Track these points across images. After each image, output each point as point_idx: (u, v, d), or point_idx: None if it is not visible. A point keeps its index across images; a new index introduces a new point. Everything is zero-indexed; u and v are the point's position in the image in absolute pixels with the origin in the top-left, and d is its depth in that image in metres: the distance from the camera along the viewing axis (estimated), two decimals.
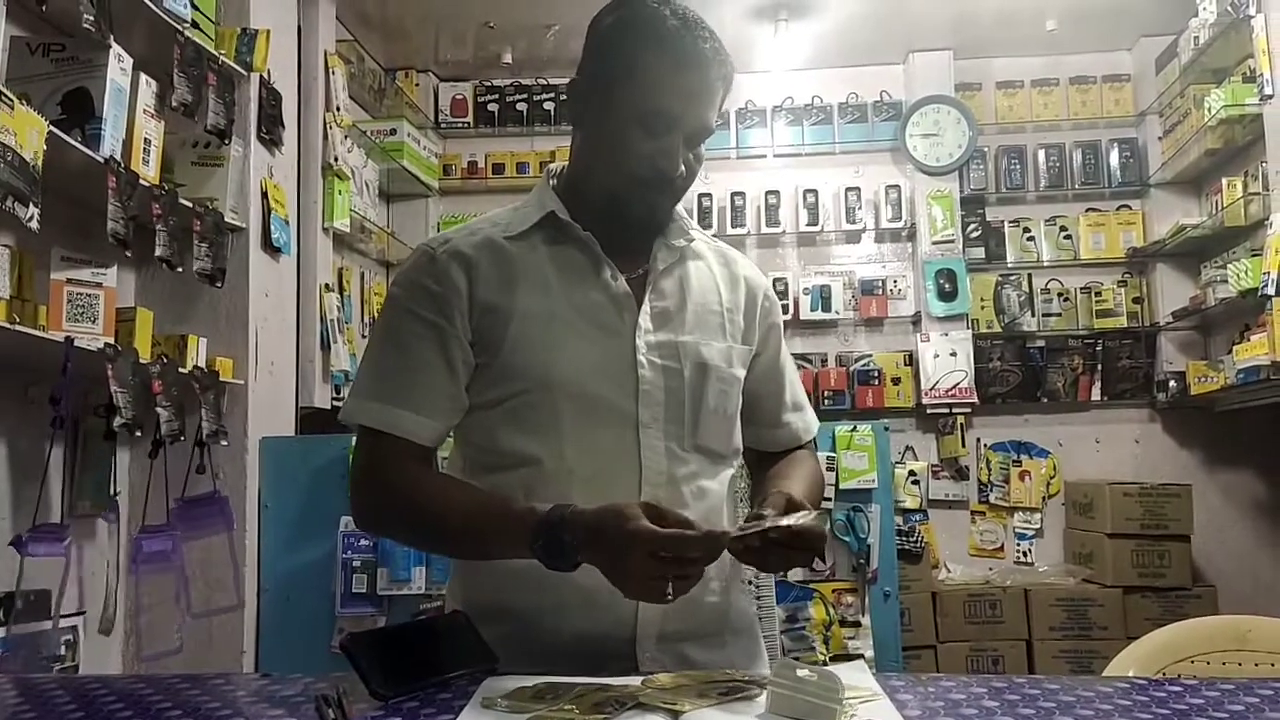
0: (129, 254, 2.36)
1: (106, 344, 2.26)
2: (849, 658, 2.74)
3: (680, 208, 1.48)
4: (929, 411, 4.39)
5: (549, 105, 4.68)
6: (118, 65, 2.26)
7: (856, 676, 1.16)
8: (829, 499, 2.84)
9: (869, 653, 2.78)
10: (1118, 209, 4.52)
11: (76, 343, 2.15)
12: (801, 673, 1.06)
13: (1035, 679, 1.23)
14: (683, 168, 1.35)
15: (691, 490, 1.38)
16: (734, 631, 1.45)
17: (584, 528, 1.19)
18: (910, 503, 4.14)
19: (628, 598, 1.20)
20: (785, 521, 1.19)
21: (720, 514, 1.43)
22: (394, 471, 1.35)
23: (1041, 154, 4.56)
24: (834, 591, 2.84)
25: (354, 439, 1.42)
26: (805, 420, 1.60)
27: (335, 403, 3.48)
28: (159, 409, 2.43)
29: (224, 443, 2.72)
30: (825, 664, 2.69)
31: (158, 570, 2.59)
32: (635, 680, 1.16)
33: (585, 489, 1.29)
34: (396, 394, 1.36)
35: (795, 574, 2.84)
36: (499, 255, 1.39)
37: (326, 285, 3.47)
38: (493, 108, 4.73)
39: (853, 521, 2.85)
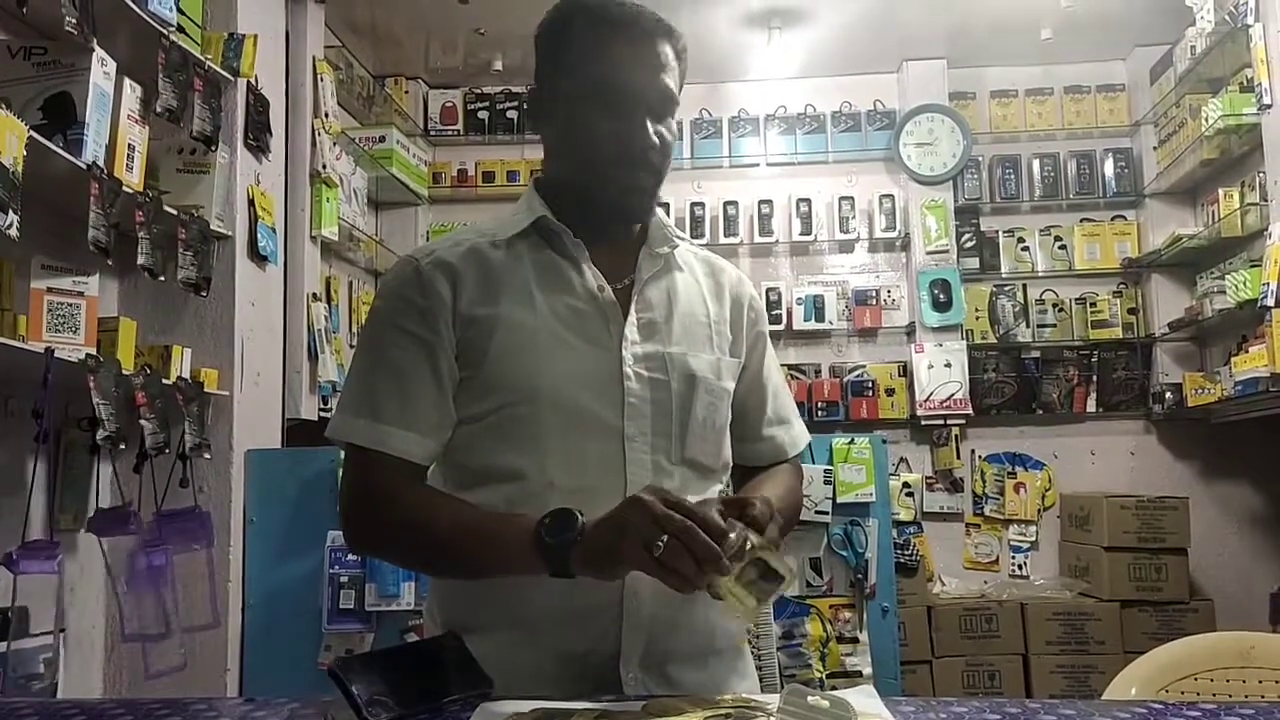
0: (111, 262, 2.31)
1: (88, 355, 2.21)
2: (847, 675, 2.71)
3: (663, 214, 1.45)
4: (923, 423, 4.36)
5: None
6: (101, 69, 2.22)
7: (866, 702, 1.12)
8: (825, 513, 2.80)
9: (867, 669, 2.75)
10: (1112, 219, 4.51)
11: (57, 353, 2.10)
12: (812, 699, 1.02)
13: (1050, 703, 1.19)
14: (655, 140, 1.32)
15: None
16: (718, 651, 1.41)
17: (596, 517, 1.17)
18: (905, 515, 4.09)
19: (621, 561, 1.14)
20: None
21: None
22: (387, 494, 1.31)
23: (1036, 164, 4.54)
24: (831, 607, 2.80)
25: (342, 454, 1.37)
26: (791, 435, 1.54)
27: (323, 414, 3.43)
28: (143, 421, 2.38)
29: (207, 456, 2.67)
30: (822, 681, 2.67)
31: (151, 587, 2.54)
32: (635, 706, 1.13)
33: (568, 503, 1.26)
34: (384, 410, 1.31)
35: (792, 590, 2.80)
36: (483, 265, 1.36)
37: (314, 294, 3.43)
38: (483, 115, 4.69)
39: (850, 536, 2.81)
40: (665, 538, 1.09)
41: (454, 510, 1.30)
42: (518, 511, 1.24)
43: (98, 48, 2.20)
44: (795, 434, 1.55)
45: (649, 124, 1.32)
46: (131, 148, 2.36)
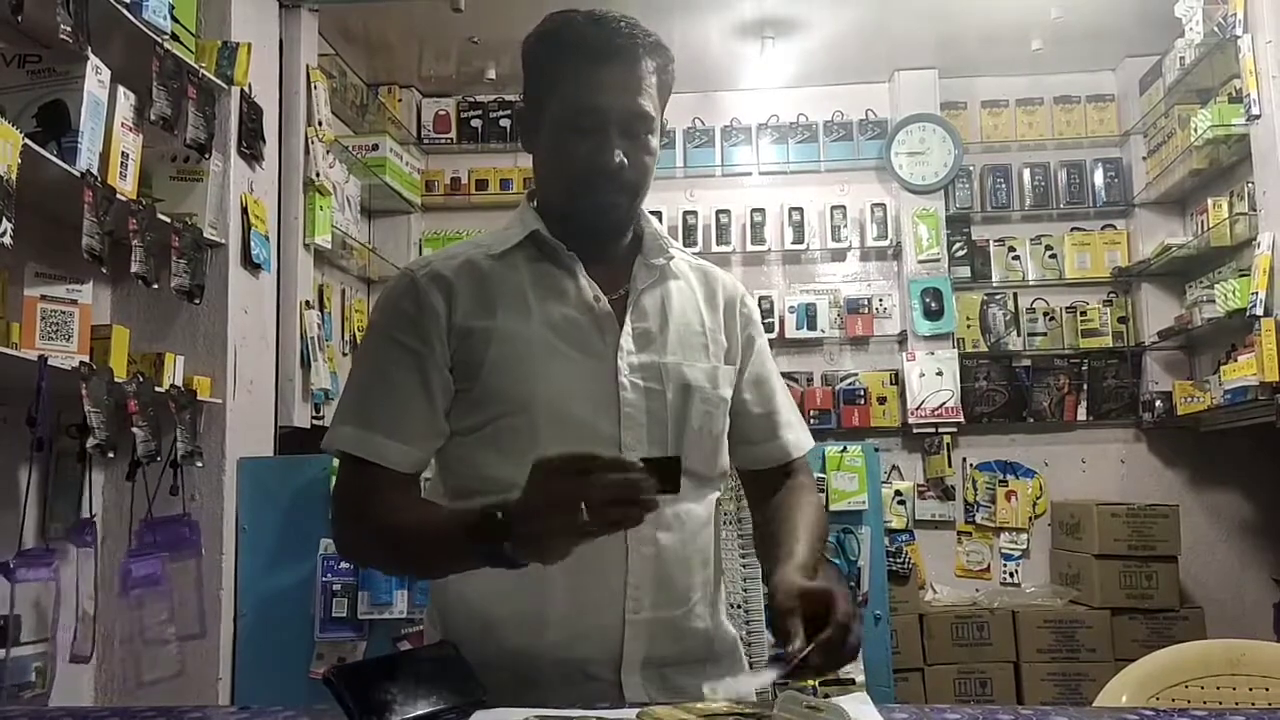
0: (105, 270, 2.31)
1: (81, 363, 2.21)
2: (840, 683, 2.70)
3: (657, 224, 1.48)
4: (915, 431, 4.36)
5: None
6: (95, 77, 2.22)
7: (861, 710, 1.13)
8: None
9: (859, 677, 2.75)
10: (1102, 228, 4.52)
11: (50, 361, 2.10)
12: (808, 706, 1.03)
13: (1042, 710, 1.20)
14: (624, 158, 1.33)
15: (675, 513, 1.36)
16: (715, 658, 1.42)
17: (515, 502, 1.14)
18: (896, 523, 4.10)
19: (556, 547, 1.12)
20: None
21: (706, 538, 1.41)
22: (373, 502, 1.33)
23: (1026, 173, 4.55)
24: None
25: (334, 462, 1.39)
26: (796, 436, 1.54)
27: (315, 422, 3.42)
28: (135, 429, 2.38)
29: (199, 464, 2.67)
30: (815, 689, 2.67)
31: (140, 595, 2.54)
32: (630, 713, 1.13)
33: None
34: (377, 421, 1.33)
35: None
36: (479, 277, 1.38)
37: (307, 302, 3.42)
38: (476, 123, 4.69)
39: (843, 544, 2.82)
40: (583, 509, 1.07)
41: (419, 515, 1.32)
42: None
43: (92, 56, 2.21)
44: (799, 436, 1.55)
45: (617, 144, 1.33)
46: (125, 156, 2.36)
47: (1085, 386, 4.41)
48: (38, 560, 2.16)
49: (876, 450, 2.96)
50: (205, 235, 2.70)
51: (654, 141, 1.39)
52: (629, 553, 1.31)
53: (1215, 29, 3.47)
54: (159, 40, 2.47)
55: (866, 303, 4.52)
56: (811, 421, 4.29)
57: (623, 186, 1.36)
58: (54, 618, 2.21)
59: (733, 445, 1.50)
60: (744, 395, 1.51)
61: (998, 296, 4.48)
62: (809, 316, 4.47)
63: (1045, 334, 4.45)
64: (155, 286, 2.49)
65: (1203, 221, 3.90)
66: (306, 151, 3.44)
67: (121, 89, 2.34)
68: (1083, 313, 4.43)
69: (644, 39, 1.36)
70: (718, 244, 4.54)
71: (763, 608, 2.67)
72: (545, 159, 1.41)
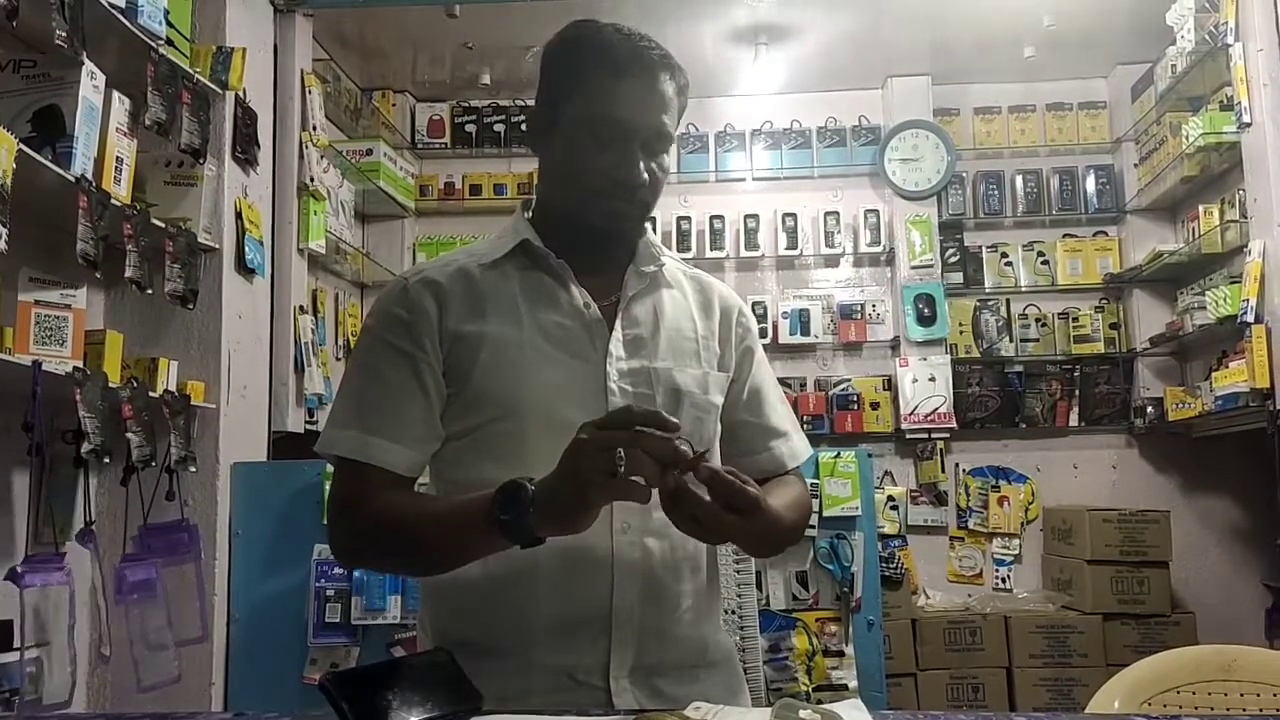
0: (99, 275, 2.30)
1: (75, 368, 2.21)
2: (833, 688, 2.71)
3: (651, 233, 1.47)
4: (908, 436, 4.38)
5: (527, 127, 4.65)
6: (90, 82, 2.21)
7: (855, 716, 1.13)
8: (812, 526, 2.81)
9: (852, 683, 2.75)
10: (1094, 235, 4.55)
11: (44, 366, 2.10)
12: (804, 713, 1.03)
13: (1034, 716, 1.20)
14: (645, 176, 1.34)
15: (663, 519, 1.34)
16: (710, 665, 1.42)
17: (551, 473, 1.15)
18: (889, 528, 4.10)
19: (589, 505, 1.13)
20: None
21: (696, 545, 1.40)
22: (370, 501, 1.32)
23: (1019, 180, 4.57)
24: (817, 621, 2.81)
25: (328, 466, 1.39)
26: (791, 446, 1.53)
27: (309, 427, 3.42)
28: (130, 434, 2.37)
29: (193, 469, 2.66)
30: (808, 695, 2.67)
31: (135, 600, 2.53)
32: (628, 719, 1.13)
33: None
34: (371, 422, 1.33)
35: (779, 603, 2.81)
36: (471, 283, 1.38)
37: (301, 307, 3.42)
38: (470, 128, 4.70)
39: (836, 549, 2.82)
40: (621, 454, 1.08)
41: (420, 505, 1.33)
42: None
43: (87, 61, 2.20)
44: (795, 446, 1.54)
45: (641, 159, 1.34)
46: (120, 160, 2.36)
47: (1077, 392, 4.43)
48: (44, 565, 2.15)
49: (870, 456, 2.96)
50: (199, 240, 2.69)
51: (668, 161, 1.39)
52: (614, 557, 1.31)
53: (1207, 37, 3.49)
54: (154, 45, 2.47)
55: (860, 308, 4.53)
56: (805, 427, 4.23)
57: (638, 201, 1.36)
58: (71, 622, 2.20)
59: (730, 456, 1.49)
60: (741, 407, 1.51)
61: (990, 302, 4.49)
62: (802, 322, 4.49)
63: (1037, 340, 4.47)
64: (149, 291, 2.48)
65: (1194, 228, 3.92)
66: (301, 156, 3.44)
67: (116, 94, 2.34)
68: (1075, 319, 4.45)
69: (671, 59, 1.37)
70: (711, 249, 4.55)
71: (757, 614, 2.68)
72: (558, 164, 1.40)
